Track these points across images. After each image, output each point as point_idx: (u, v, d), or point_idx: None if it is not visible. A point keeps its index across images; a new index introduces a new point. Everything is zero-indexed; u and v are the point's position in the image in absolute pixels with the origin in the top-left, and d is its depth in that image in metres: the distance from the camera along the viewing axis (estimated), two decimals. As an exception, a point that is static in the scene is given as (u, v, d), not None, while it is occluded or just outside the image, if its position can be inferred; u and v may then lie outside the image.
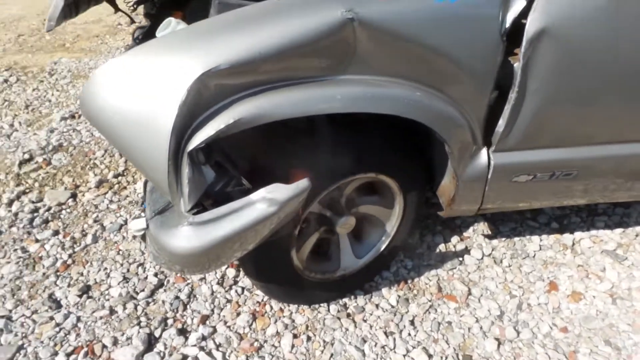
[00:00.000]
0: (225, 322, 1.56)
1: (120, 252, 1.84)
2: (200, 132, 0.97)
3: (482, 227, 2.00)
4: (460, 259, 1.84)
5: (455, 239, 1.94)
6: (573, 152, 1.34)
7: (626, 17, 1.12)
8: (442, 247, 1.90)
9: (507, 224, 2.03)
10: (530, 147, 1.30)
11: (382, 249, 1.61)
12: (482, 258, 1.85)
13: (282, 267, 1.38)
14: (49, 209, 2.06)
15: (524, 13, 1.10)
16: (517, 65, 1.14)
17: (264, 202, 0.99)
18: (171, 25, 1.25)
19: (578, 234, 1.97)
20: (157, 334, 1.52)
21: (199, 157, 1.01)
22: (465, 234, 1.97)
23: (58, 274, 1.74)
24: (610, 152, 1.37)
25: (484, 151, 1.31)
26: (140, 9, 2.12)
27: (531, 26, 1.09)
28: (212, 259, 1.05)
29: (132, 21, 2.16)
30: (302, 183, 1.03)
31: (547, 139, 1.30)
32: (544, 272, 1.79)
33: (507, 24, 1.11)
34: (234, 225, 0.98)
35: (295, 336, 1.52)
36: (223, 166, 1.08)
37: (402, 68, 1.10)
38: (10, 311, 1.58)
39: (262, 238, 1.09)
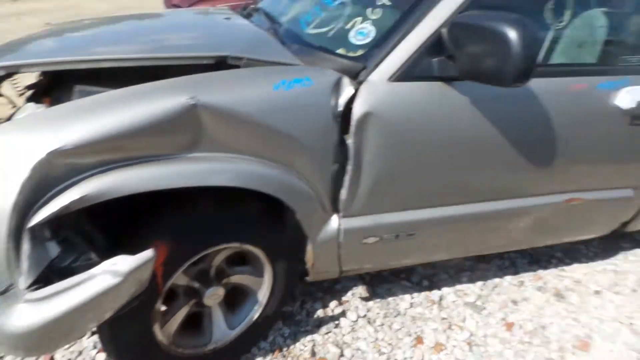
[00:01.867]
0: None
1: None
2: (44, 208, 1.00)
3: (360, 290, 2.12)
4: (337, 322, 1.92)
5: (334, 303, 2.03)
6: (412, 214, 1.53)
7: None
8: (320, 312, 1.98)
9: (382, 285, 2.17)
10: (374, 212, 1.48)
11: (256, 318, 1.65)
12: (357, 320, 1.95)
13: (144, 344, 1.36)
14: None
15: (353, 99, 1.31)
16: (350, 142, 1.33)
17: (107, 274, 1.02)
18: (29, 108, 1.31)
19: (445, 290, 2.16)
20: None
21: (44, 232, 1.03)
22: (344, 298, 2.07)
23: None
24: (444, 213, 1.58)
25: (334, 217, 1.46)
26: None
27: (357, 110, 1.30)
28: (55, 335, 1.04)
29: (15, 106, 2.15)
30: (147, 253, 1.08)
31: (387, 205, 1.48)
32: (412, 327, 1.93)
33: (340, 108, 1.31)
34: (74, 299, 0.99)
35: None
36: (74, 240, 1.10)
37: (248, 146, 1.24)
38: None
39: (112, 310, 1.10)
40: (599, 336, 1.91)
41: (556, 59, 1.62)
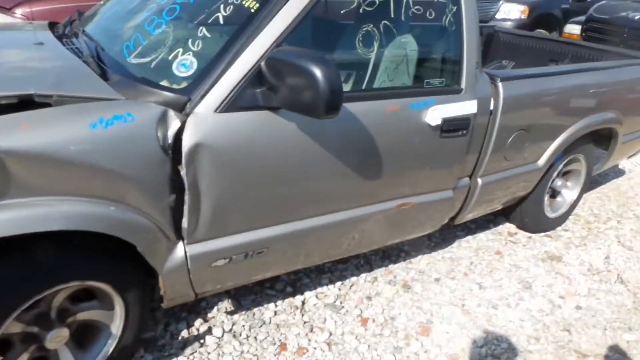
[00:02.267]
0: None
1: None
2: None
3: (226, 304, 2.17)
4: (202, 341, 1.96)
5: (199, 321, 2.06)
6: (257, 233, 1.62)
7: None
8: (185, 333, 1.99)
9: (248, 296, 2.24)
10: (219, 236, 1.54)
11: (111, 352, 1.63)
12: (222, 335, 2.00)
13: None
14: None
15: (181, 131, 1.35)
16: (184, 173, 1.37)
17: None
18: None
19: (307, 294, 2.30)
20: None
21: None
22: (209, 315, 2.11)
23: None
24: (289, 229, 1.69)
25: (179, 245, 1.49)
26: None
27: (186, 142, 1.34)
28: None
29: None
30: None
31: (230, 227, 1.55)
32: (277, 335, 2.03)
33: (169, 141, 1.34)
34: None
35: None
36: None
37: (72, 187, 1.22)
38: None
39: None
40: (438, 320, 2.19)
41: (374, 83, 1.83)
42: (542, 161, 2.48)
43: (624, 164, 4.16)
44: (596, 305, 2.37)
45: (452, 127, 1.88)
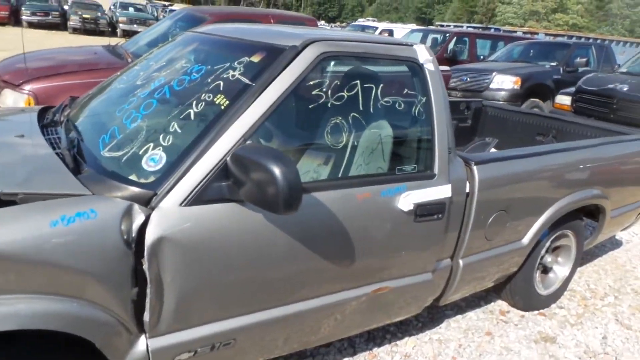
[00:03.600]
0: None
1: None
2: None
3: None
4: None
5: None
6: (224, 324, 1.59)
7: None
8: None
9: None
10: (182, 328, 1.51)
11: None
12: None
13: None
14: None
15: (145, 225, 1.37)
16: (146, 267, 1.38)
17: None
18: None
19: (287, 380, 2.21)
20: None
21: None
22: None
23: None
24: (260, 318, 1.66)
25: (141, 339, 1.47)
26: None
27: (150, 236, 1.36)
28: None
29: None
30: None
31: (194, 319, 1.53)
32: None
33: (133, 234, 1.36)
34: None
35: None
36: None
37: (32, 284, 1.23)
38: None
39: None
40: (422, 409, 2.08)
41: (350, 169, 1.87)
42: (526, 239, 2.46)
43: (621, 234, 4.10)
44: (592, 394, 2.24)
45: (426, 211, 1.89)
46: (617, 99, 5.35)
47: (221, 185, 1.45)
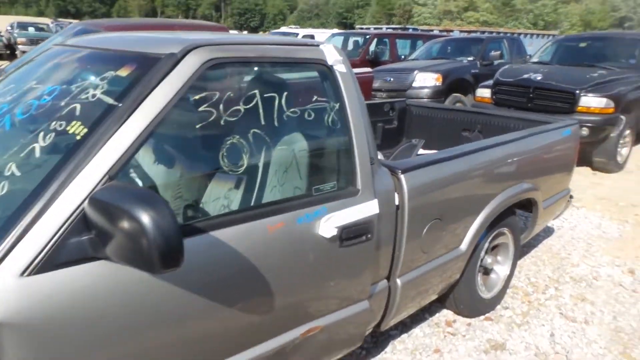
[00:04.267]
0: None
1: None
2: None
3: None
4: None
5: None
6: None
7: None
8: None
9: None
10: None
11: None
12: None
13: None
14: None
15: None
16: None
17: None
18: None
19: None
20: None
21: None
22: None
23: None
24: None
25: None
26: None
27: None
28: None
29: None
30: None
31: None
32: None
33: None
34: None
35: None
36: None
37: None
38: None
39: None
40: None
41: (263, 195, 1.58)
42: (464, 245, 2.29)
43: (552, 222, 4.11)
44: (549, 403, 2.10)
45: (353, 234, 1.65)
46: (533, 88, 5.47)
47: (81, 241, 1.11)
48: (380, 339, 2.50)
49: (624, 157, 5.77)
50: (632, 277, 3.22)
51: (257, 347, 1.50)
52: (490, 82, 6.05)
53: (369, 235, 1.71)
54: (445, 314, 2.74)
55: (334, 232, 1.56)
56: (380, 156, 3.31)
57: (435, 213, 2.03)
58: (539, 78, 5.51)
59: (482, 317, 2.72)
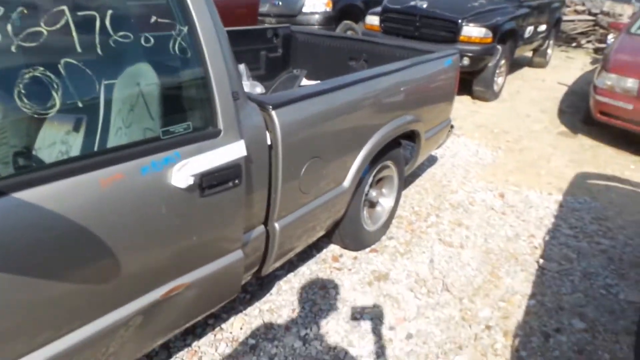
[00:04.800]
0: None
1: None
2: None
3: None
4: None
5: None
6: None
7: None
8: None
9: None
10: None
11: None
12: None
13: None
14: None
15: None
16: None
17: None
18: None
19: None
20: None
21: None
22: None
23: None
24: None
25: None
26: None
27: None
28: None
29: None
30: None
31: None
32: None
33: None
34: None
35: None
36: None
37: None
38: None
39: None
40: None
41: (104, 139, 1.29)
42: (347, 182, 2.21)
43: (435, 151, 4.26)
44: (426, 327, 2.19)
45: (216, 181, 1.45)
46: (419, 16, 5.45)
47: None
48: (265, 280, 2.41)
49: (500, 86, 6.12)
50: (502, 200, 3.47)
51: (104, 318, 1.28)
52: (379, 9, 5.92)
53: (237, 181, 1.52)
54: (332, 249, 2.72)
55: (190, 181, 1.34)
56: (260, 89, 3.08)
57: (313, 151, 1.89)
58: (424, 6, 5.49)
59: (367, 250, 2.74)
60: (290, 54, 3.88)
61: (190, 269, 1.51)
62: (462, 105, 5.82)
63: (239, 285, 1.78)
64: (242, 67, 3.19)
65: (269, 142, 1.67)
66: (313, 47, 3.76)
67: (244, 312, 2.20)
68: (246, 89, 2.86)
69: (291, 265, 2.55)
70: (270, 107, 1.66)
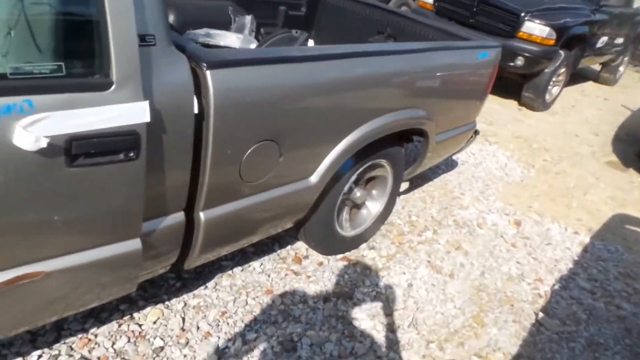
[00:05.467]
0: None
1: None
2: None
3: None
4: None
5: None
6: None
7: None
8: None
9: None
10: None
11: None
12: None
13: None
14: None
15: None
16: None
17: None
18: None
19: None
20: None
21: None
22: None
23: None
24: None
25: None
26: None
27: None
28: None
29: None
30: None
31: None
32: None
33: None
34: None
35: None
36: None
37: None
38: None
39: None
40: None
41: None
42: (316, 177, 1.80)
43: (457, 155, 3.75)
44: (373, 370, 1.80)
45: (95, 149, 1.07)
46: (478, 1, 4.82)
47: None
48: (206, 269, 2.06)
49: (553, 97, 5.44)
50: (517, 228, 2.97)
51: None
52: (437, -13, 5.30)
53: (132, 154, 1.14)
54: (299, 247, 2.34)
55: (43, 143, 0.97)
56: (254, 46, 2.65)
57: (266, 132, 1.48)
58: (487, -9, 4.84)
59: (339, 256, 2.35)
60: (316, 15, 3.42)
61: (49, 256, 1.15)
62: (505, 109, 5.22)
63: (134, 281, 1.42)
64: (247, 18, 2.77)
65: (195, 110, 1.27)
66: (341, 12, 3.28)
67: (166, 303, 1.86)
68: (236, 43, 2.45)
69: (243, 257, 2.19)
70: (205, 65, 1.26)
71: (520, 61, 4.69)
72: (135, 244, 1.31)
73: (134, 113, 1.10)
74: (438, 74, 2.13)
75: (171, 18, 2.65)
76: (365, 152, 2.01)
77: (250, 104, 1.38)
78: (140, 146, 1.15)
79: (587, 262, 2.80)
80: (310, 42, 3.09)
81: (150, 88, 1.15)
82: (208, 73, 1.26)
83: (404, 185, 3.04)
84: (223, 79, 1.29)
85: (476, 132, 2.89)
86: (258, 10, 3.04)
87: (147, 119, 1.13)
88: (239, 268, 2.12)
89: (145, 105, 1.12)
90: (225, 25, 2.82)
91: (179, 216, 1.43)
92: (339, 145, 1.80)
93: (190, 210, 1.47)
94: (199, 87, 1.27)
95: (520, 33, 4.68)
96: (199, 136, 1.33)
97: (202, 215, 1.48)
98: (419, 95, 2.08)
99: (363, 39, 3.05)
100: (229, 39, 2.38)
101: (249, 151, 1.46)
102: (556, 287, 2.52)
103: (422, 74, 2.04)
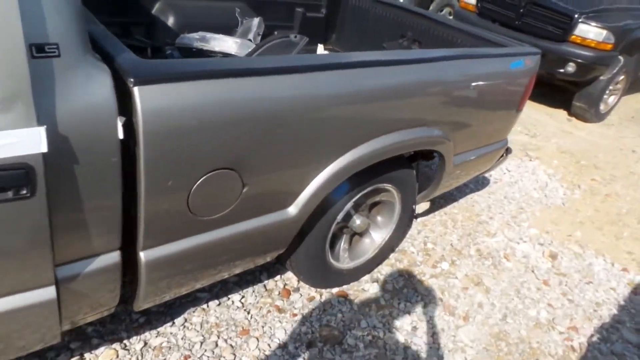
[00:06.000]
0: None
1: None
2: None
3: None
4: None
5: None
6: None
7: None
8: None
9: None
10: None
11: None
12: None
13: None
14: None
15: None
16: None
17: None
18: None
19: None
20: None
21: None
22: None
23: None
24: None
25: None
26: None
27: None
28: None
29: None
30: None
31: None
32: None
33: None
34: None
35: None
36: None
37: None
38: None
39: None
40: None
41: None
42: (295, 207, 1.53)
43: (491, 172, 3.36)
44: None
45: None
46: (525, 2, 4.36)
47: None
48: (177, 302, 1.84)
49: (609, 107, 4.88)
50: (552, 262, 2.57)
51: None
52: (480, -15, 4.87)
53: (24, 191, 0.92)
54: (289, 278, 2.08)
55: None
56: (250, 51, 2.40)
57: (221, 159, 1.23)
58: (536, -10, 4.38)
59: (335, 290, 2.07)
60: (337, 18, 3.15)
61: None
62: (552, 120, 4.73)
63: (55, 332, 1.21)
64: (255, 21, 2.53)
65: (120, 136, 1.04)
66: (364, 14, 2.99)
67: (124, 341, 1.65)
68: (233, 49, 2.22)
69: (223, 288, 1.95)
70: (132, 80, 1.02)
71: (571, 67, 4.21)
72: (46, 292, 1.10)
73: (23, 141, 0.88)
74: (457, 86, 1.80)
75: (170, 20, 2.46)
76: (364, 176, 1.73)
77: (194, 127, 1.13)
78: (35, 181, 0.93)
79: (636, 307, 2.37)
80: (320, 48, 2.81)
81: (51, 110, 0.92)
82: (136, 90, 1.02)
83: (424, 206, 2.73)
84: (155, 96, 1.05)
85: (507, 151, 2.52)
86: (271, 12, 2.81)
87: (44, 148, 0.90)
88: (216, 302, 1.89)
89: (39, 132, 0.89)
90: (232, 29, 2.60)
91: (112, 257, 1.21)
92: (326, 170, 1.52)
93: (131, 248, 1.24)
94: (128, 107, 1.04)
95: (573, 36, 4.19)
96: (134, 165, 1.10)
97: (142, 255, 1.25)
98: (431, 112, 1.76)
99: (381, 44, 2.75)
100: (226, 44, 2.15)
101: (198, 182, 1.21)
102: (594, 338, 2.13)
103: (435, 87, 1.73)
